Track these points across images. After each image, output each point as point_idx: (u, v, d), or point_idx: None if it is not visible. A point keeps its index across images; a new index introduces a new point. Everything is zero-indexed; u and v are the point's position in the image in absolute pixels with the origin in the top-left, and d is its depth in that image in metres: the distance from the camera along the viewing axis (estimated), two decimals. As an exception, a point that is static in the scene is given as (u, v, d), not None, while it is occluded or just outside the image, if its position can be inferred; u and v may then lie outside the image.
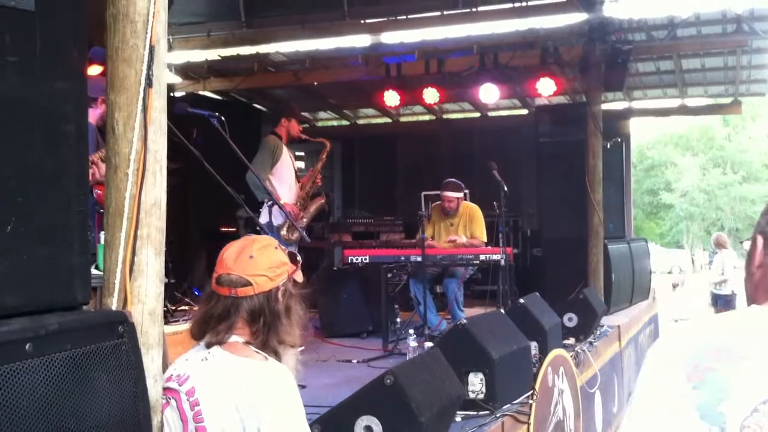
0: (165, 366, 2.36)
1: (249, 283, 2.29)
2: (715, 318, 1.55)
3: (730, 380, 1.38)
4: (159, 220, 2.24)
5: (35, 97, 1.94)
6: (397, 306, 7.40)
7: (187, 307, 7.94)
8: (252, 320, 2.30)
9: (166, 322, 5.14)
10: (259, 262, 2.32)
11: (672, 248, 37.65)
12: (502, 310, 5.34)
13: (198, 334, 2.35)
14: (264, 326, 2.31)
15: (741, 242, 7.47)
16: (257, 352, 2.29)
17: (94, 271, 3.26)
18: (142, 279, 2.21)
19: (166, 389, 2.28)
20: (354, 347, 6.91)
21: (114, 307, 2.19)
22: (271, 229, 6.03)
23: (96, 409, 1.93)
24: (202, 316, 2.34)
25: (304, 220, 6.82)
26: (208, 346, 2.31)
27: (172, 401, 2.26)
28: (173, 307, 7.76)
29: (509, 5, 8.88)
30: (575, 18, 8.81)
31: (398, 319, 7.09)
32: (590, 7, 8.55)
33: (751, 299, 1.56)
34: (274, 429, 2.15)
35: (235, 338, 2.29)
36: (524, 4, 8.79)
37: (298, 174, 7.03)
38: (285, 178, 6.68)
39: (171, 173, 7.08)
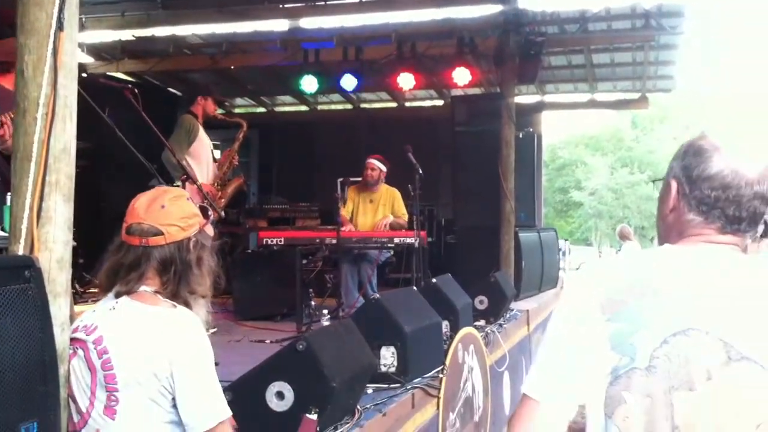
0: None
1: (161, 233, 2.28)
2: (631, 255, 1.66)
3: (642, 313, 1.46)
4: (68, 166, 2.20)
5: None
6: (311, 290, 7.41)
7: (96, 289, 7.75)
8: (163, 270, 2.29)
9: (75, 302, 5.04)
10: (171, 212, 2.31)
11: (581, 245, 38.68)
12: (415, 288, 5.40)
13: (107, 285, 2.33)
14: (175, 276, 2.30)
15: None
16: (165, 301, 2.28)
17: (0, 233, 3.18)
18: (50, 226, 2.17)
19: (73, 340, 2.25)
20: (267, 329, 6.88)
21: (20, 254, 2.14)
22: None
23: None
24: (111, 267, 2.31)
25: (222, 200, 6.76)
26: (117, 296, 2.28)
27: (80, 351, 2.23)
28: (82, 289, 7.57)
29: (428, -6, 9.01)
30: (491, 9, 9.00)
31: (312, 303, 7.10)
32: (505, -1, 8.75)
33: (664, 241, 1.65)
34: (185, 374, 2.15)
35: (144, 288, 2.28)
36: (442, -7, 8.94)
37: (214, 154, 6.95)
38: (202, 157, 6.59)
39: (81, 154, 6.93)
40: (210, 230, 2.49)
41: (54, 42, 2.14)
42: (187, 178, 5.53)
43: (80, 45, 9.78)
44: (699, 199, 1.57)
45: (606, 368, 1.47)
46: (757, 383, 1.42)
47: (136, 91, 4.82)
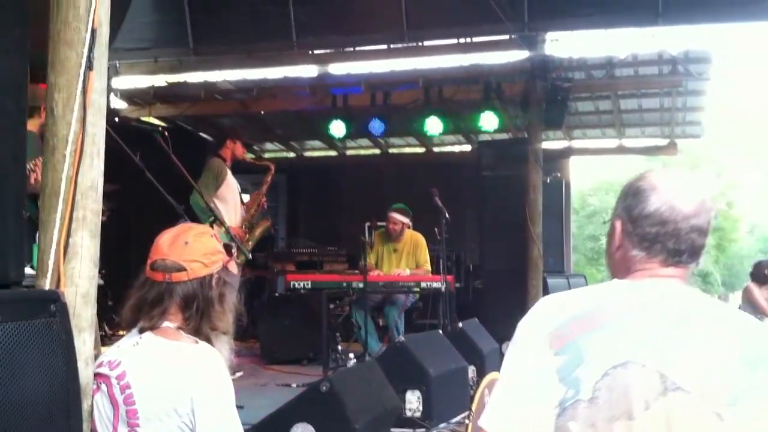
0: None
1: (183, 269, 2.29)
2: (578, 290, 1.68)
3: (586, 347, 1.53)
4: (95, 202, 2.24)
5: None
6: (338, 334, 7.41)
7: (124, 332, 7.79)
8: (185, 306, 2.30)
9: (103, 344, 5.07)
10: (194, 249, 2.33)
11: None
12: (441, 332, 5.37)
13: (131, 320, 2.34)
14: (197, 312, 2.30)
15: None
16: (188, 337, 2.28)
17: (28, 270, 3.22)
18: (76, 261, 2.19)
19: (96, 375, 2.25)
20: (294, 373, 6.88)
21: (47, 289, 2.16)
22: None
23: (23, 384, 1.91)
24: (135, 302, 2.33)
25: (250, 243, 6.79)
26: (141, 331, 2.29)
27: (103, 386, 2.23)
28: (111, 331, 7.62)
29: (454, 41, 9.09)
30: (518, 55, 9.05)
31: (339, 347, 7.10)
32: (532, 45, 8.81)
33: (614, 277, 1.72)
34: (205, 410, 2.14)
35: (167, 324, 2.28)
36: (469, 40, 9.02)
37: (242, 197, 7.00)
38: (230, 200, 6.63)
39: (111, 196, 7.02)
40: (234, 268, 2.50)
41: (83, 81, 2.18)
42: (215, 220, 5.57)
43: (113, 90, 10.03)
44: (641, 235, 1.66)
45: (554, 400, 1.51)
46: (690, 412, 1.48)
47: (166, 134, 4.89)
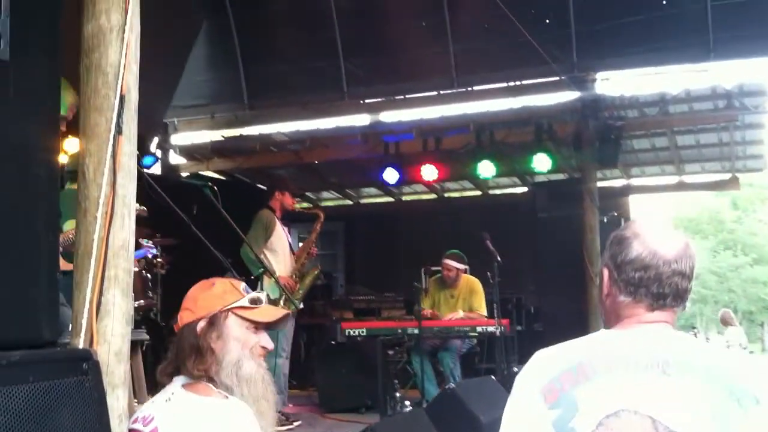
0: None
1: (176, 319, 2.35)
2: (568, 343, 1.76)
3: (578, 399, 1.61)
4: (126, 261, 2.31)
5: (8, 139, 2.05)
6: (396, 381, 7.36)
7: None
8: (183, 356, 2.30)
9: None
10: (188, 297, 2.37)
11: (687, 331, 37.25)
12: (493, 377, 5.31)
13: (163, 374, 2.39)
14: (195, 361, 2.28)
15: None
16: (218, 392, 2.30)
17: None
18: (109, 319, 2.26)
19: (131, 431, 2.30)
20: (351, 421, 6.85)
21: (80, 347, 2.23)
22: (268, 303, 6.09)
23: (56, 443, 1.96)
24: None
25: (300, 292, 6.85)
26: (167, 385, 2.34)
27: (137, 441, 2.27)
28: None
29: (504, 84, 9.14)
30: (568, 96, 9.03)
31: (397, 394, 7.05)
32: (582, 85, 8.78)
33: (606, 323, 1.82)
34: None
35: (185, 378, 2.30)
36: (518, 83, 9.05)
37: (293, 247, 7.08)
38: (279, 251, 6.72)
39: (169, 250, 7.14)
40: (257, 315, 2.41)
41: (113, 145, 2.27)
42: (265, 271, 5.65)
43: (173, 146, 10.36)
44: (626, 281, 1.74)
45: None
46: None
47: (215, 188, 4.99)
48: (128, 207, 2.33)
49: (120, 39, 2.32)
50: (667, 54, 8.32)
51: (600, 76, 8.83)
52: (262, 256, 6.14)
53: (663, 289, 1.71)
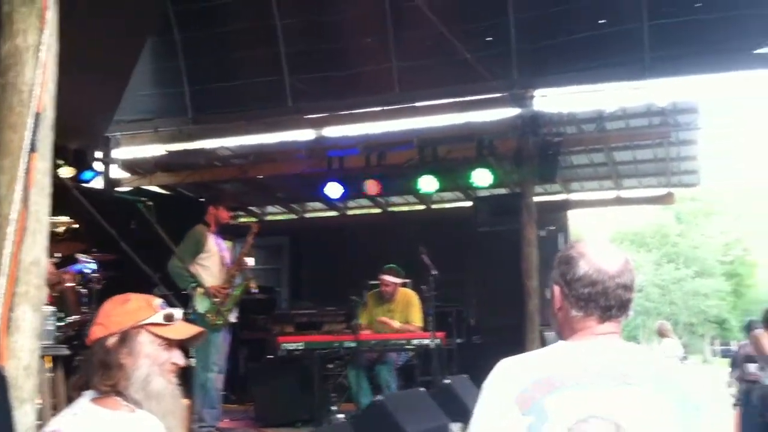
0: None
1: (88, 335, 2.36)
2: (535, 353, 1.90)
3: (548, 407, 1.74)
4: (38, 277, 2.33)
5: None
6: (333, 395, 7.40)
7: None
8: (92, 371, 2.29)
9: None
10: (102, 312, 2.38)
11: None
12: (424, 389, 5.38)
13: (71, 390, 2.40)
14: (103, 376, 2.28)
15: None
16: (126, 405, 2.31)
17: None
18: (19, 335, 2.28)
19: (41, 445, 2.31)
20: (286, 435, 6.86)
21: (-11, 362, 2.25)
22: (198, 316, 6.10)
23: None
24: None
25: (229, 304, 6.74)
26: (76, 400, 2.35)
27: (45, 455, 2.28)
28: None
29: (446, 100, 9.29)
30: (509, 112, 9.22)
31: (334, 407, 7.08)
32: (522, 102, 8.98)
33: (560, 336, 1.95)
34: None
35: (94, 393, 2.31)
36: (460, 99, 9.20)
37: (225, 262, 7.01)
38: (210, 266, 6.66)
39: (106, 265, 7.08)
40: (170, 333, 2.43)
41: (27, 162, 2.30)
42: (196, 285, 5.68)
43: (115, 161, 10.28)
44: (577, 297, 1.89)
45: None
46: None
47: (149, 203, 5.00)
48: (41, 223, 2.36)
49: (35, 58, 2.35)
50: (603, 72, 8.56)
51: (539, 93, 9.05)
52: (193, 270, 6.16)
53: (609, 302, 1.88)
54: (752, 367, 8.61)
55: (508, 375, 1.83)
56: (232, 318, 6.67)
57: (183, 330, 2.48)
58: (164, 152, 10.53)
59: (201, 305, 6.20)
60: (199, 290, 6.18)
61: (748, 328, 9.41)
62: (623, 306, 1.90)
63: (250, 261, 11.49)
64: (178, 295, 5.68)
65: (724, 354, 29.25)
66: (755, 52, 7.99)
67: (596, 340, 1.88)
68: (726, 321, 37.72)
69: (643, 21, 8.08)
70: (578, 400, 1.74)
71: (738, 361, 9.44)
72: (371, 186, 9.88)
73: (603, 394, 1.75)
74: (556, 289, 1.94)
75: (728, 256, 44.66)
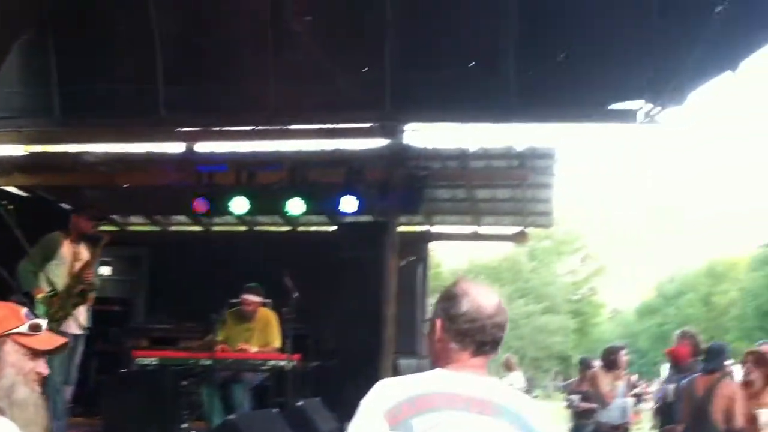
0: None
1: None
2: (410, 377, 2.13)
3: (416, 426, 1.97)
4: None
5: None
6: (185, 412, 7.34)
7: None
8: None
9: None
10: None
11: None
12: (275, 410, 5.47)
13: None
14: None
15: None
16: None
17: None
18: None
19: None
20: (134, 452, 6.75)
21: None
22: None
23: None
24: None
25: (61, 312, 6.62)
26: None
27: None
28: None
29: (318, 126, 9.45)
30: (378, 143, 9.49)
31: (185, 425, 7.04)
32: (391, 134, 9.26)
33: (435, 365, 2.18)
34: None
35: None
36: (332, 126, 9.38)
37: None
38: (60, 273, 6.60)
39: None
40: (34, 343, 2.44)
41: None
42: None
43: (-25, 158, 9.82)
44: (456, 331, 2.12)
45: None
46: None
47: (10, 207, 4.94)
48: None
49: None
50: (470, 113, 8.96)
51: (409, 126, 9.35)
52: (42, 275, 6.15)
53: (485, 338, 2.11)
54: (576, 399, 9.11)
55: (384, 394, 2.04)
56: (75, 329, 6.61)
57: (48, 340, 2.51)
58: (25, 152, 10.16)
59: (39, 310, 6.12)
60: (38, 295, 6.16)
61: (583, 364, 10.06)
62: (496, 343, 2.14)
63: (106, 271, 11.30)
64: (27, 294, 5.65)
65: (565, 389, 30.63)
66: (609, 107, 8.61)
67: (467, 372, 2.10)
68: (570, 358, 39.53)
69: (510, 68, 8.51)
70: (442, 423, 1.95)
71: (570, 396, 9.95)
72: (239, 204, 9.88)
73: (464, 421, 1.97)
74: (438, 322, 2.15)
75: (576, 295, 47.11)
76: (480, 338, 2.10)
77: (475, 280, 2.34)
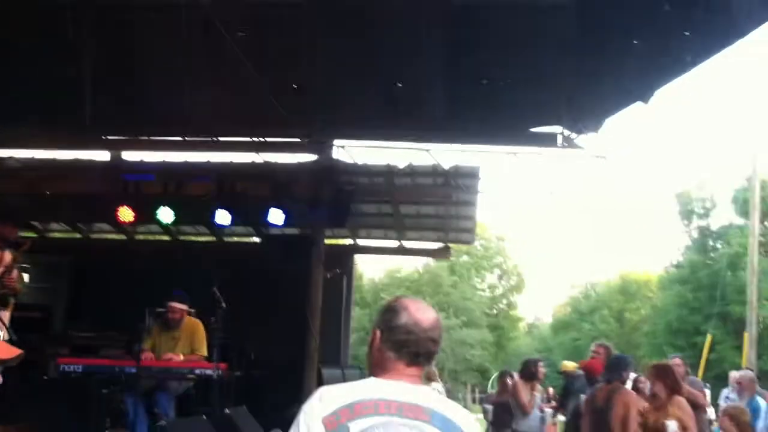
0: None
1: None
2: (348, 384, 2.29)
3: (352, 427, 2.12)
4: None
5: None
6: (108, 419, 7.33)
7: None
8: None
9: None
10: None
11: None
12: (204, 417, 5.57)
13: None
14: None
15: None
16: None
17: None
18: None
19: None
20: (55, 460, 6.72)
21: None
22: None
23: None
24: None
25: None
26: None
27: None
28: None
29: (247, 139, 9.56)
30: (306, 157, 9.68)
31: (107, 432, 7.04)
32: (320, 149, 9.47)
33: (371, 374, 2.34)
34: None
35: None
36: (261, 139, 9.52)
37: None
38: None
39: None
40: None
41: None
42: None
43: None
44: (393, 342, 2.25)
45: None
46: None
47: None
48: None
49: None
50: (397, 131, 9.22)
51: (337, 143, 9.56)
52: None
53: (419, 350, 2.24)
54: (489, 408, 9.44)
55: (322, 399, 2.17)
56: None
57: (3, 350, 2.60)
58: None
59: None
60: None
61: (503, 375, 10.41)
62: (429, 355, 2.27)
63: (25, 277, 11.08)
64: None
65: (485, 401, 31.17)
66: (530, 130, 9.00)
67: (402, 380, 2.23)
68: (488, 371, 40.20)
69: (436, 90, 8.79)
70: (377, 426, 2.10)
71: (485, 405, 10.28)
72: (165, 214, 9.89)
73: (398, 424, 2.12)
74: (377, 332, 2.29)
75: (494, 309, 48.05)
76: (415, 349, 2.24)
77: (400, 294, 2.51)
